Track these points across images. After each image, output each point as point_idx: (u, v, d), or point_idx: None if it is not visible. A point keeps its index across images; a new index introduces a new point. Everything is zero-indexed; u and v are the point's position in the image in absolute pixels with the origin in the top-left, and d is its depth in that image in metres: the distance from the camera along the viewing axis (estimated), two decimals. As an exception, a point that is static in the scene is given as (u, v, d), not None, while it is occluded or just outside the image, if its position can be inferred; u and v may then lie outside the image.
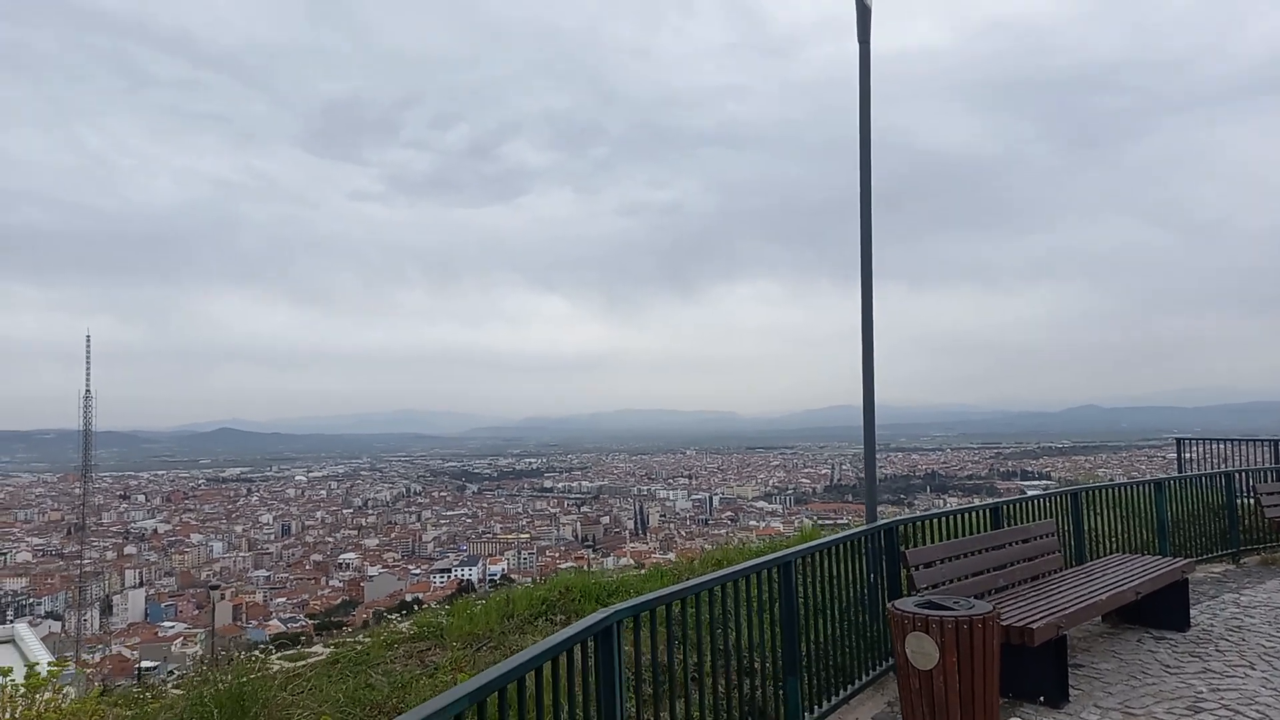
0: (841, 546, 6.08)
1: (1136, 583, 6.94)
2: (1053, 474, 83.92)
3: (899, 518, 6.87)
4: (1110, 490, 9.38)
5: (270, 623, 48.07)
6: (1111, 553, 8.99)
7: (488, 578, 53.12)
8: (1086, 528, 8.82)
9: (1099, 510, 9.10)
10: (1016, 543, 7.28)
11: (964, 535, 7.24)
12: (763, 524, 68.41)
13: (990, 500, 7.92)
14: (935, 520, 7.28)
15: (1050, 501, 8.56)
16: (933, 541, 7.01)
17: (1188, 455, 16.71)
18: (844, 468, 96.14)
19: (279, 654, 8.63)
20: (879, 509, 6.94)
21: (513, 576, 51.29)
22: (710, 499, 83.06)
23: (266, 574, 64.15)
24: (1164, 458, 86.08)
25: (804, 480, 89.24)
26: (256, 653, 8.60)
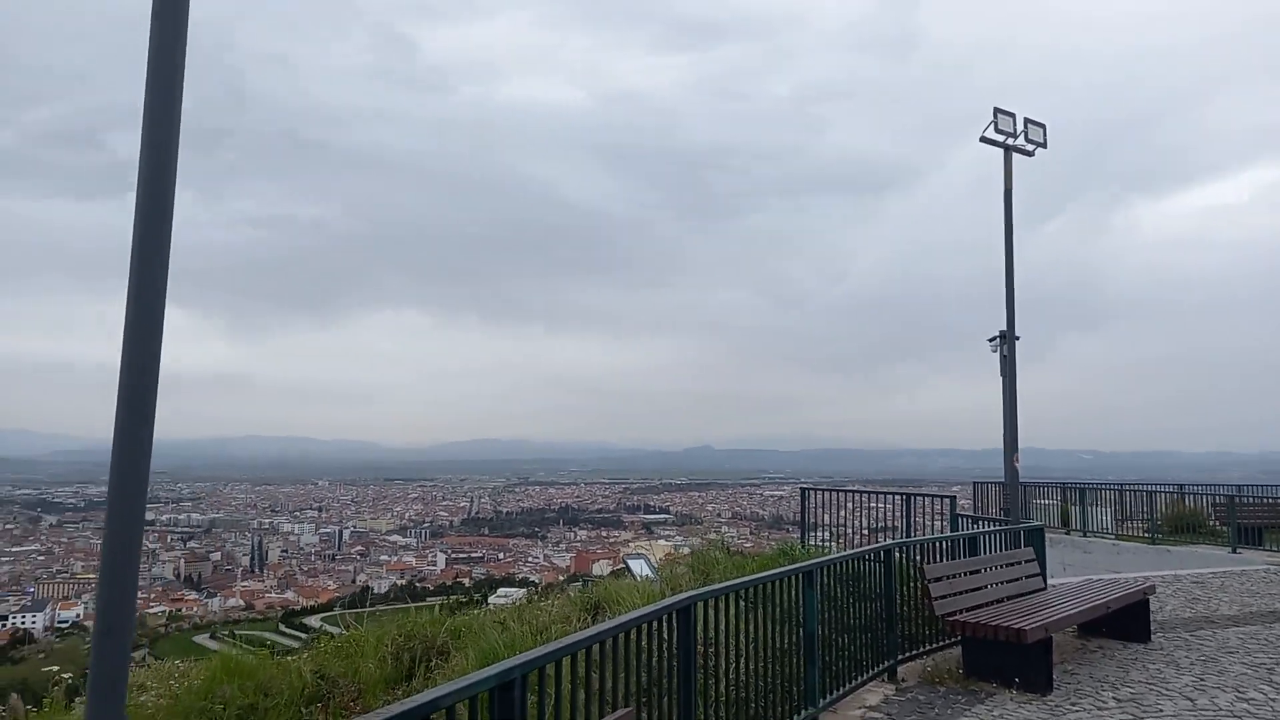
0: None
1: None
2: (671, 509, 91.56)
3: None
4: (751, 589, 5.74)
5: None
6: (751, 705, 5.49)
7: (56, 624, 45.49)
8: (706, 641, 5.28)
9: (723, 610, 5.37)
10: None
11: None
12: (395, 558, 66.41)
13: (593, 630, 4.04)
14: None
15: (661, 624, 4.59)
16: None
17: (811, 505, 14.14)
18: (483, 500, 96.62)
19: None
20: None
21: (88, 623, 44.34)
22: (340, 533, 78.90)
23: None
24: (762, 495, 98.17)
25: (441, 513, 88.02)
26: None
